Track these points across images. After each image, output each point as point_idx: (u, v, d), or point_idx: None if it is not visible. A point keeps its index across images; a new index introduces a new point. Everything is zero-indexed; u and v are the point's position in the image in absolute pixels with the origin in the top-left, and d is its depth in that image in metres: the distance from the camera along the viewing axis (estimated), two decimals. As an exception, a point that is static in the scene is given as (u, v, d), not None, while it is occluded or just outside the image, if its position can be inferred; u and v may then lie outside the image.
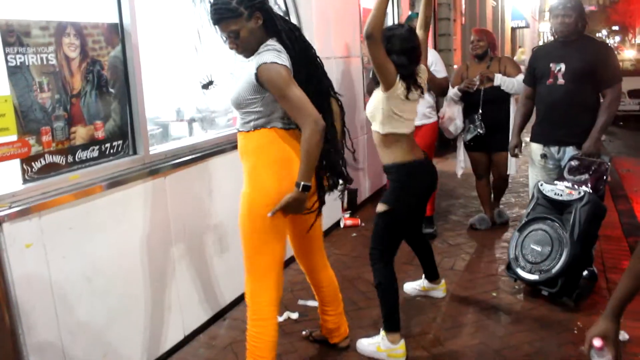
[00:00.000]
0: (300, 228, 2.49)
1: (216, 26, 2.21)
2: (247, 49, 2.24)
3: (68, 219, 2.22)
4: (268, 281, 2.32)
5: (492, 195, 4.93)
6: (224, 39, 2.25)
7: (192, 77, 3.38)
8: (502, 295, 3.53)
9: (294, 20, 4.19)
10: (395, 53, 2.67)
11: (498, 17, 15.42)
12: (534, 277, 3.32)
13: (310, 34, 4.34)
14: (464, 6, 10.39)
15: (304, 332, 3.06)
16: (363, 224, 5.00)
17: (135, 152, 2.65)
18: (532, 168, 3.81)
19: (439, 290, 3.48)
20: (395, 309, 2.84)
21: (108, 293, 2.43)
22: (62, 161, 2.28)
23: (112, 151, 2.53)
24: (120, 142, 2.57)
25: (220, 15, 2.17)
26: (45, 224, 2.12)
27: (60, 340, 2.21)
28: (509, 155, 4.20)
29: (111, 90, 2.51)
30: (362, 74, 5.51)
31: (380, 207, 2.82)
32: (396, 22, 6.78)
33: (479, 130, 4.46)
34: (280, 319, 3.24)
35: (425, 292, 3.50)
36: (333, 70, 4.81)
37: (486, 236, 4.65)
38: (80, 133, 2.36)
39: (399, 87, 2.66)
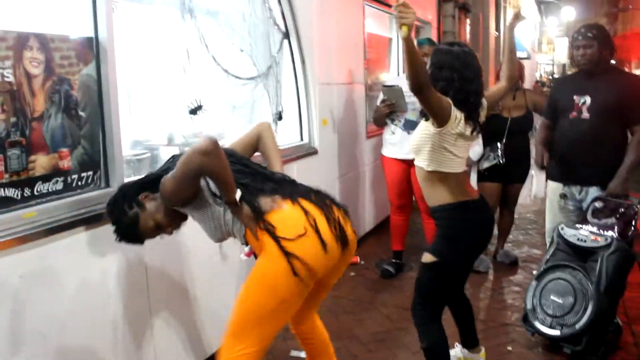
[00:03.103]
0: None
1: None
2: (173, 220, 2.08)
3: (18, 266, 1.86)
4: (259, 352, 1.96)
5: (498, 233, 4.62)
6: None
7: (180, 100, 3.07)
8: (518, 349, 3.17)
9: (294, 42, 3.90)
10: (469, 81, 2.30)
11: (500, 48, 15.28)
12: (555, 332, 2.95)
13: (311, 59, 4.06)
14: (468, 35, 10.20)
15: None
16: (362, 262, 4.64)
17: (107, 185, 2.31)
18: (550, 209, 3.48)
19: None
20: None
21: (69, 351, 2.06)
22: (17, 195, 1.93)
23: (80, 184, 2.19)
24: (90, 173, 2.23)
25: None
26: (-11, 271, 1.77)
27: (4, 409, 1.84)
28: (534, 178, 3.93)
29: (81, 113, 2.18)
30: (365, 101, 5.22)
31: (427, 258, 2.42)
32: (401, 50, 6.52)
33: (499, 160, 4.19)
34: (270, 374, 2.88)
35: None
36: (334, 97, 4.52)
37: (495, 279, 4.31)
38: (41, 162, 2.02)
39: (456, 120, 2.27)
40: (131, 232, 2.04)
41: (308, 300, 2.13)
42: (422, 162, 2.40)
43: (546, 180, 3.54)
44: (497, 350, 3.15)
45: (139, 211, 2.02)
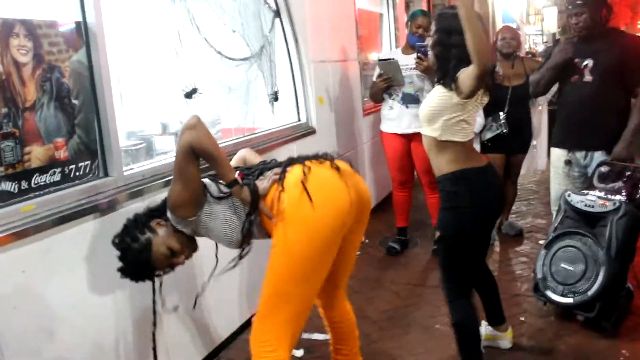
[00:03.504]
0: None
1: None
2: (185, 245, 2.05)
3: (19, 261, 1.80)
4: (290, 335, 1.91)
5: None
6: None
7: (174, 85, 3.00)
8: (531, 319, 3.14)
9: (285, 21, 3.81)
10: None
11: (489, 20, 15.17)
12: (567, 300, 2.93)
13: (304, 37, 3.97)
14: (458, 8, 10.07)
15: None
16: (367, 240, 4.60)
17: (106, 174, 2.24)
18: (554, 177, 3.42)
19: (505, 340, 2.82)
20: (478, 353, 2.40)
21: (77, 346, 2.02)
22: (14, 189, 1.87)
23: (78, 174, 2.12)
24: (87, 162, 2.17)
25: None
26: (-10, 268, 1.71)
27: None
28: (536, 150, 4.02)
29: (74, 101, 2.10)
30: (360, 78, 5.14)
31: (439, 233, 2.39)
32: (392, 26, 6.43)
33: (502, 129, 4.12)
34: (282, 358, 2.84)
35: (488, 342, 2.80)
36: (329, 75, 4.44)
37: (502, 251, 4.27)
38: (37, 154, 1.95)
39: (481, 92, 2.23)
40: (143, 259, 1.96)
41: (334, 275, 2.09)
42: (434, 132, 2.30)
43: (548, 149, 3.49)
44: (510, 322, 3.08)
45: (151, 236, 1.97)
